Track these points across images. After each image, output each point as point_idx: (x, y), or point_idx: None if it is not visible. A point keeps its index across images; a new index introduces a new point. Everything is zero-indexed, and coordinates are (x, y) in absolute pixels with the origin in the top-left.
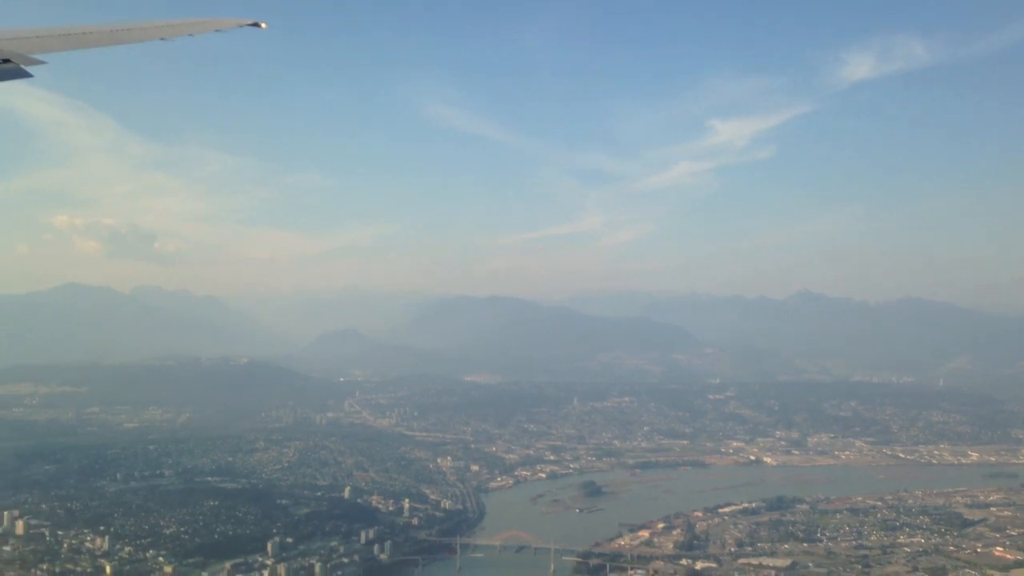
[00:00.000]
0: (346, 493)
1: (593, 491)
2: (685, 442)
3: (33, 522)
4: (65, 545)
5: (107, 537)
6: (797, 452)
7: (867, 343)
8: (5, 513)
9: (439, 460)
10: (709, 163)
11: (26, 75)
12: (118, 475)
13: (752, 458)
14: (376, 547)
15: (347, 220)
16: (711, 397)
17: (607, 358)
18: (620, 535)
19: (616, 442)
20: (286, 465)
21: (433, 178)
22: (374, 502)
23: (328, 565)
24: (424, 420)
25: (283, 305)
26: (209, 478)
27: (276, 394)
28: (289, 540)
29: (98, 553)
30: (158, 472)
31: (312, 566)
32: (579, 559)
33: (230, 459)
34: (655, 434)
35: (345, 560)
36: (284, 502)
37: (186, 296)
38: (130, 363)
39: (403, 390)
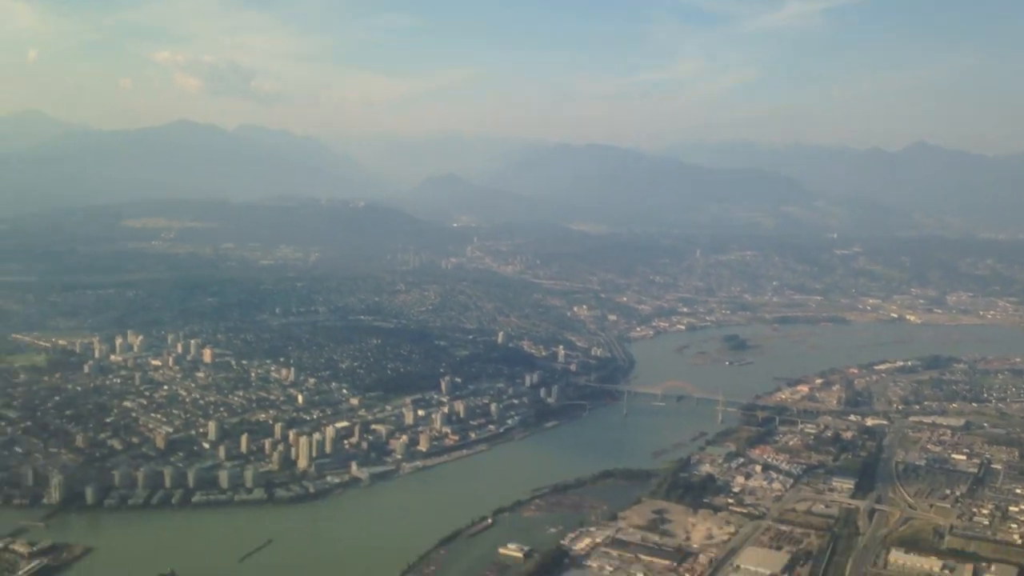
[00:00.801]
0: (499, 338)
1: (737, 344)
2: (818, 298)
3: (217, 351)
4: (253, 374)
5: (292, 368)
6: (939, 311)
7: (987, 198)
8: (192, 342)
9: (575, 309)
10: (820, 3)
11: None
12: (277, 310)
13: (894, 315)
14: (542, 391)
15: (437, 62)
16: (837, 252)
17: (716, 209)
18: (779, 389)
19: (746, 296)
20: (429, 308)
21: (523, 15)
22: (525, 347)
23: (500, 405)
24: (547, 268)
25: (379, 148)
26: (362, 317)
27: (395, 237)
28: (458, 380)
29: (285, 383)
30: (312, 308)
31: (486, 405)
32: (744, 411)
33: (376, 299)
34: (785, 289)
35: (515, 401)
36: (442, 343)
37: (286, 135)
38: (254, 201)
39: (519, 238)
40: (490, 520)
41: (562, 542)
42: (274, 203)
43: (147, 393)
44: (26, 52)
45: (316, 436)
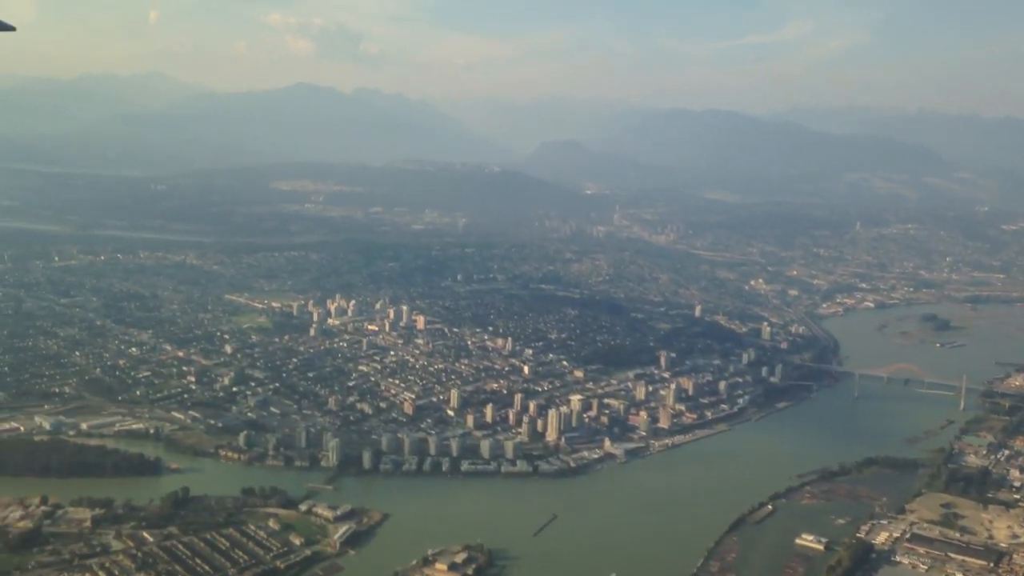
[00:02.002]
0: (697, 312)
1: (940, 325)
2: (1000, 276)
3: (429, 318)
4: (469, 343)
5: (509, 339)
6: None
7: None
8: (403, 308)
9: (752, 282)
10: None
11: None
12: (458, 276)
13: None
14: (764, 370)
15: (535, 23)
16: (1005, 228)
17: (853, 178)
18: (1008, 375)
19: (922, 272)
20: (605, 278)
21: None
22: (721, 322)
23: (727, 383)
24: (701, 238)
25: (485, 111)
26: (543, 286)
27: (533, 203)
28: (672, 355)
29: (504, 352)
30: (490, 276)
31: (712, 383)
32: (985, 398)
33: (550, 268)
34: (961, 265)
35: (739, 380)
36: (638, 316)
37: (401, 99)
38: (386, 165)
39: (659, 206)
40: (770, 507)
41: (858, 535)
42: (410, 167)
43: (377, 358)
44: (145, 14)
45: (563, 409)
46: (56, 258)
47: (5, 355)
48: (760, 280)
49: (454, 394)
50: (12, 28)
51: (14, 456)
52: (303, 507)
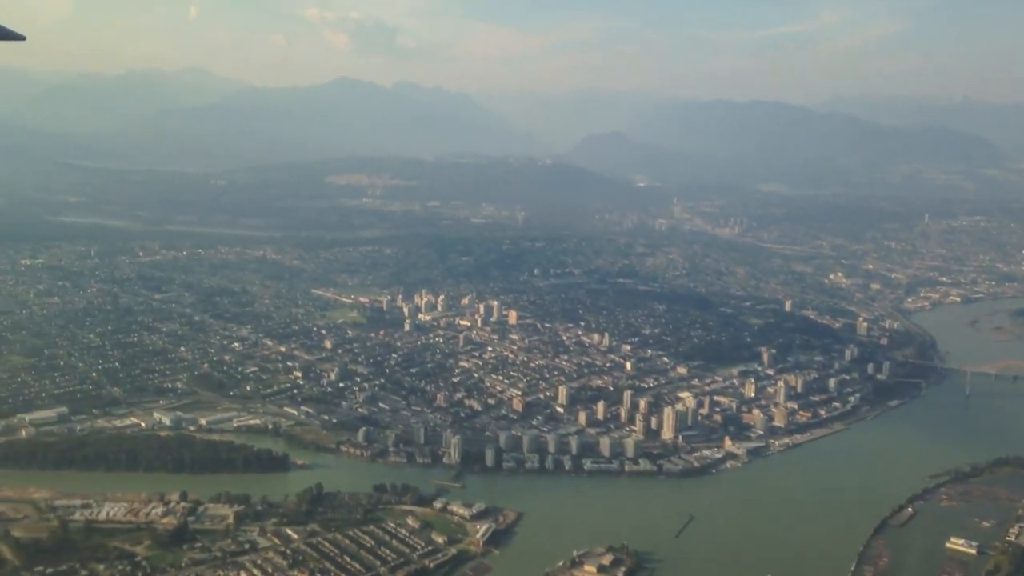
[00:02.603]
0: (787, 307)
1: None
2: None
3: (521, 313)
4: (564, 338)
5: (605, 334)
6: None
7: None
8: (494, 303)
9: (831, 276)
10: None
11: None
12: (535, 271)
13: None
14: (870, 366)
15: (568, 13)
16: None
17: (906, 170)
18: None
19: (999, 265)
20: (682, 272)
21: None
22: (812, 316)
23: (836, 381)
24: (766, 231)
25: (524, 104)
26: (621, 280)
27: (588, 196)
28: (773, 351)
29: (602, 348)
30: (567, 270)
31: (820, 380)
32: None
33: (625, 262)
34: None
35: (846, 377)
36: (727, 311)
37: (441, 92)
38: (435, 159)
39: (716, 199)
40: (910, 509)
41: (1007, 538)
42: (462, 160)
43: (476, 354)
44: (184, 10)
45: (678, 407)
46: (141, 254)
47: (114, 351)
48: (839, 274)
49: (562, 391)
50: (22, 38)
51: (146, 452)
52: (437, 504)
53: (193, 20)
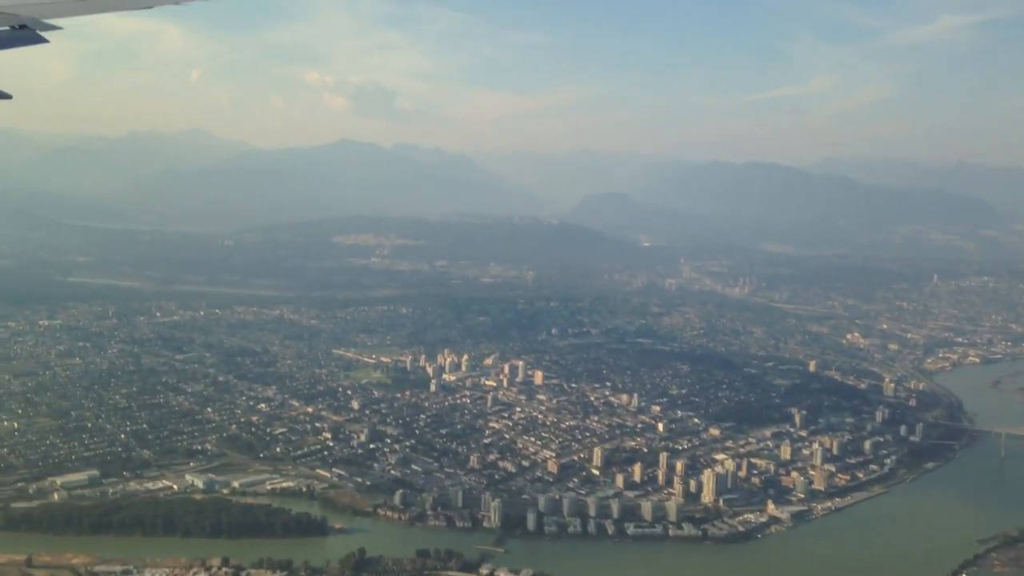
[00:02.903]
0: (812, 367)
1: None
2: None
3: (546, 374)
4: (592, 398)
5: (634, 395)
6: None
7: None
8: (518, 363)
9: (848, 336)
10: (974, 15)
11: (43, 40)
12: (553, 330)
13: None
14: (903, 428)
15: (562, 78)
16: None
17: (907, 231)
18: None
19: (1012, 325)
20: (700, 332)
21: (653, 32)
22: (835, 376)
23: (871, 443)
24: (776, 291)
25: (520, 165)
26: (641, 340)
27: (592, 255)
28: (803, 413)
29: (631, 409)
30: (584, 330)
31: (855, 441)
32: None
33: (642, 321)
34: None
35: (880, 439)
36: (751, 371)
37: (439, 153)
38: (439, 219)
39: (722, 258)
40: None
41: None
42: (466, 220)
43: (504, 414)
44: (183, 73)
45: (718, 469)
46: (158, 314)
47: (141, 412)
48: (856, 334)
49: (597, 452)
50: (8, 96)
51: (183, 516)
52: (484, 571)
53: (194, 82)
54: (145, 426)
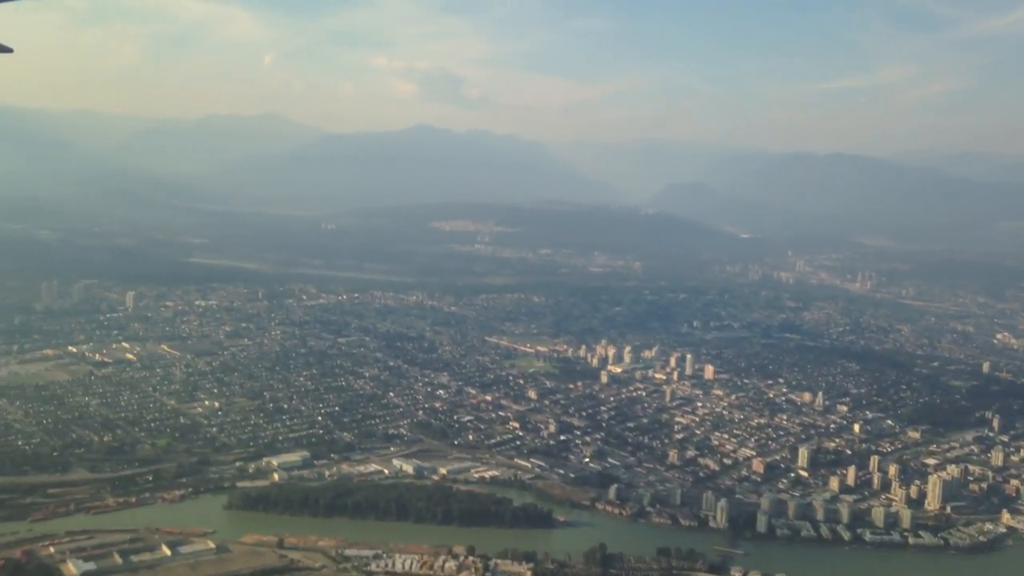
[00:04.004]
0: (985, 368)
1: None
2: None
3: (718, 369)
4: (771, 395)
5: (818, 394)
6: None
7: None
8: (688, 357)
9: (998, 336)
10: None
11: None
12: (695, 323)
13: None
14: None
15: (624, 66)
16: None
17: (1008, 226)
18: None
19: None
20: (845, 328)
21: (716, 20)
22: (1007, 377)
23: None
24: (897, 286)
25: (591, 153)
26: (787, 335)
27: (694, 246)
28: (997, 416)
29: (817, 408)
30: (725, 323)
31: None
32: None
33: (781, 316)
34: None
35: None
36: (922, 371)
37: (513, 140)
38: (541, 207)
39: (830, 252)
40: None
41: None
42: (561, 208)
43: (687, 409)
44: (253, 57)
45: (943, 475)
46: (304, 297)
47: (328, 395)
48: (1005, 333)
49: (802, 453)
50: (9, 50)
51: (415, 502)
52: (736, 573)
53: (267, 67)
54: (337, 409)
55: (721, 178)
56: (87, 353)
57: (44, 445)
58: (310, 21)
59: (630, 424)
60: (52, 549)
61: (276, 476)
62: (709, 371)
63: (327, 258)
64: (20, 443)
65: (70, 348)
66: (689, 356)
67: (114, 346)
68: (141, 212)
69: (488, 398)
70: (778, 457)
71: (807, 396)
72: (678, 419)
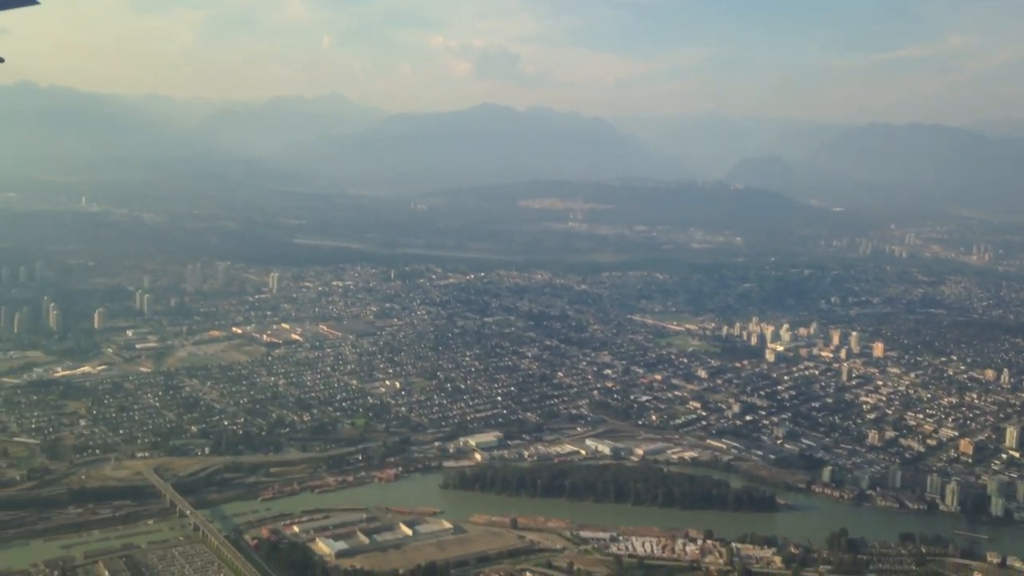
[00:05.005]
0: None
1: None
2: None
3: (885, 344)
4: (950, 372)
5: (1004, 370)
6: None
7: None
8: (853, 335)
9: None
10: None
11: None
12: (833, 299)
13: None
14: None
15: (678, 40)
16: None
17: None
18: None
19: None
20: (988, 302)
21: None
22: None
23: None
24: (1016, 259)
25: (652, 128)
26: (932, 310)
27: (790, 221)
28: None
29: (1005, 385)
30: (863, 299)
31: None
32: None
33: (919, 291)
34: None
35: None
36: None
37: (576, 116)
38: (629, 183)
39: (935, 225)
40: None
41: None
42: (648, 185)
43: (868, 388)
44: (311, 38)
45: None
46: (433, 277)
47: (498, 375)
48: None
49: (1010, 432)
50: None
51: (633, 484)
52: (993, 559)
53: (326, 48)
54: (513, 389)
55: (795, 152)
56: (254, 334)
57: (250, 425)
58: (362, 2)
59: (814, 404)
60: (296, 528)
61: (478, 456)
62: (878, 349)
63: (428, 238)
64: (227, 423)
65: (234, 329)
66: (855, 334)
67: (275, 327)
68: (231, 195)
69: (658, 378)
70: (983, 437)
71: (990, 373)
72: (863, 399)
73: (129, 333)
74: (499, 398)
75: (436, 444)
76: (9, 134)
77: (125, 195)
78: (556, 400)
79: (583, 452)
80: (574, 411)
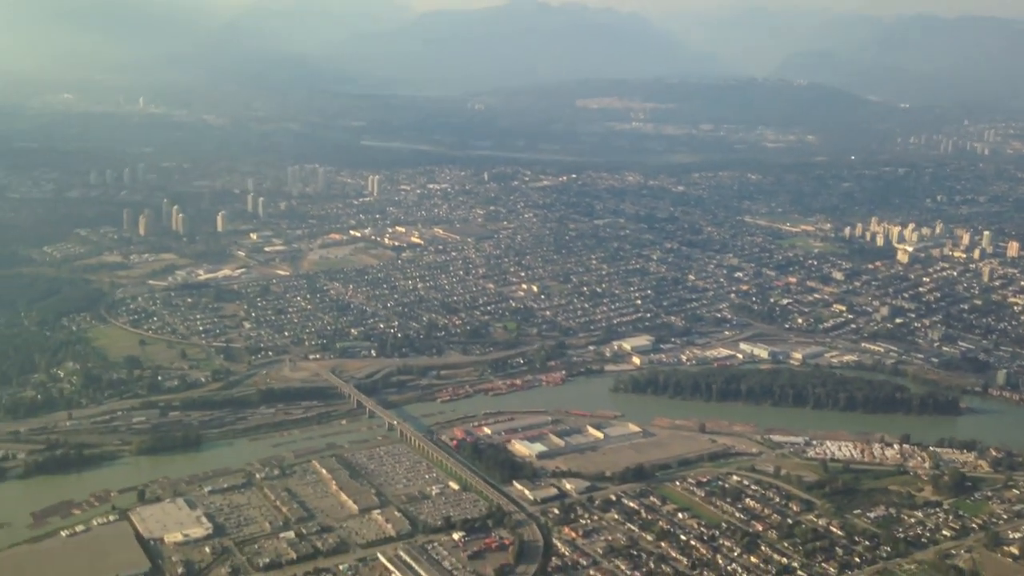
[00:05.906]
0: None
1: None
2: None
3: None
4: None
5: None
6: None
7: None
8: (985, 234)
9: None
10: None
11: None
12: (939, 197)
13: None
14: None
15: None
16: None
17: None
18: None
19: None
20: None
21: None
22: None
23: None
24: None
25: (690, 23)
26: None
27: (857, 118)
28: None
29: None
30: (969, 197)
31: None
32: None
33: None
34: None
35: None
36: None
37: (611, 12)
38: (687, 80)
39: (1009, 121)
40: None
41: None
42: (706, 81)
43: (1015, 289)
44: None
45: None
46: (526, 178)
47: (631, 278)
48: None
49: None
50: None
51: (811, 389)
52: None
53: None
54: (649, 292)
55: (843, 45)
56: (373, 237)
57: (406, 328)
58: None
59: (963, 306)
60: (488, 430)
61: (636, 360)
62: (1012, 248)
63: (496, 139)
64: (383, 326)
65: (352, 232)
66: (986, 233)
67: (391, 230)
68: (284, 96)
69: (792, 280)
70: None
71: None
72: (1012, 300)
73: (253, 236)
74: (638, 302)
75: (591, 348)
76: (51, 35)
77: (179, 96)
78: (695, 304)
79: (739, 356)
80: (717, 315)
